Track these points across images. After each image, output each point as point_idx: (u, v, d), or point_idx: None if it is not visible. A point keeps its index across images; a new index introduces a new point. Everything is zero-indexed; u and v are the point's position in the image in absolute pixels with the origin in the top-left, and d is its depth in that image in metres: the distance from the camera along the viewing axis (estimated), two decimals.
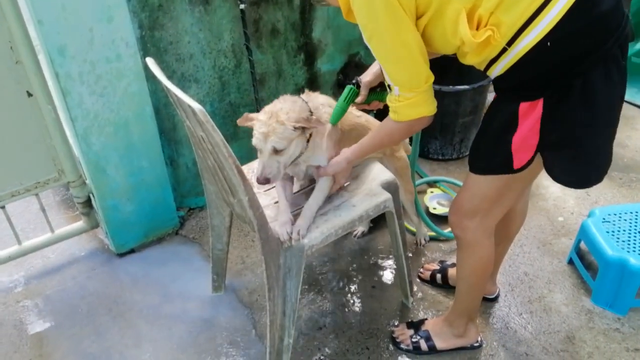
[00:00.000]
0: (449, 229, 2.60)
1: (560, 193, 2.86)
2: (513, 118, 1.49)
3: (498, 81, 1.54)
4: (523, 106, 1.47)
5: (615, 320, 2.19)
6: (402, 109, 1.55)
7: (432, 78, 1.52)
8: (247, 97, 2.73)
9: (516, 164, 1.55)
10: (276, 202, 1.92)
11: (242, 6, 2.42)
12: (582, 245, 2.42)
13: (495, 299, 2.30)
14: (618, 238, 2.23)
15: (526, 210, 2.06)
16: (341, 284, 2.41)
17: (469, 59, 1.52)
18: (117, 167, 2.36)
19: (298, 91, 2.89)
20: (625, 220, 2.32)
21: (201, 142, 1.66)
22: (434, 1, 1.41)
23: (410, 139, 2.70)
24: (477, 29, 1.41)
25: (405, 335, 2.11)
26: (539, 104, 1.45)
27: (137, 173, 2.43)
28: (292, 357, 1.97)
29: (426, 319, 2.16)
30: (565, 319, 2.21)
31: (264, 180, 1.71)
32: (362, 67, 3.03)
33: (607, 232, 2.26)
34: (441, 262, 2.43)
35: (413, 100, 1.52)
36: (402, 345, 2.09)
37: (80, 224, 2.60)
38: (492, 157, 1.61)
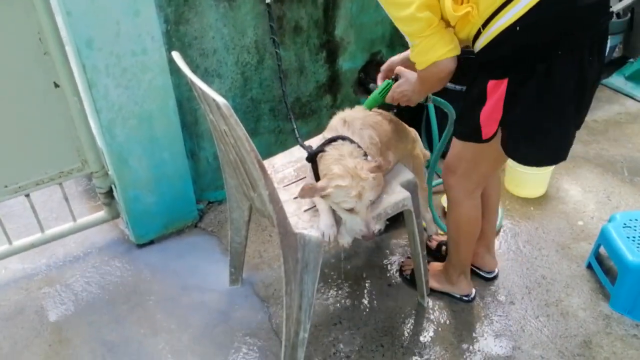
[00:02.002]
0: None
1: (581, 197, 2.83)
2: (483, 93, 1.66)
3: (478, 57, 1.68)
4: (491, 83, 1.63)
5: (634, 326, 2.17)
6: (416, 57, 1.64)
7: (435, 22, 1.55)
8: (269, 93, 2.75)
9: (484, 135, 1.72)
10: (295, 198, 1.94)
11: (268, 0, 2.44)
12: (602, 250, 2.40)
13: (493, 279, 2.38)
14: (639, 244, 2.21)
15: (499, 184, 2.25)
16: (357, 281, 2.42)
17: (458, 34, 1.63)
18: (139, 159, 2.40)
19: (319, 88, 2.91)
20: None
21: (224, 136, 1.68)
22: None
23: (430, 144, 2.71)
24: (462, 4, 1.55)
25: (410, 267, 2.35)
26: (504, 83, 1.60)
27: (158, 165, 2.47)
28: (307, 352, 1.99)
29: (431, 261, 2.38)
30: (583, 323, 2.19)
31: (373, 235, 1.75)
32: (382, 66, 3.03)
33: (628, 237, 2.24)
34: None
35: (421, 47, 1.59)
36: (404, 273, 2.40)
37: (101, 214, 2.64)
38: (466, 126, 1.80)
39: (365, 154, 1.77)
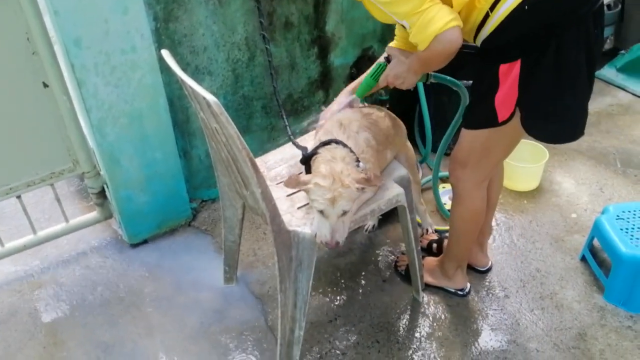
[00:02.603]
0: None
1: (574, 190, 2.84)
2: (495, 79, 1.66)
3: (483, 45, 1.68)
4: (502, 68, 1.64)
5: (628, 318, 2.17)
6: (415, 36, 1.58)
7: None
8: (260, 90, 2.73)
9: (500, 118, 1.71)
10: (289, 195, 1.93)
11: None
12: (595, 242, 2.40)
13: (486, 272, 2.38)
14: (632, 235, 2.21)
15: (502, 180, 2.23)
16: (352, 277, 2.41)
17: (464, 24, 1.61)
18: (131, 158, 2.38)
19: (311, 84, 2.90)
20: None
21: (215, 134, 1.67)
22: None
23: (423, 138, 2.70)
24: None
25: (405, 263, 2.33)
26: (517, 65, 1.61)
27: (150, 164, 2.45)
28: (303, 349, 1.98)
29: (425, 256, 2.38)
30: (577, 315, 2.20)
31: (336, 244, 1.71)
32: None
33: (621, 229, 2.24)
34: (440, 233, 2.54)
35: (419, 23, 1.53)
36: (399, 269, 2.40)
37: (94, 214, 2.63)
38: (479, 114, 1.79)
39: (358, 160, 1.76)
